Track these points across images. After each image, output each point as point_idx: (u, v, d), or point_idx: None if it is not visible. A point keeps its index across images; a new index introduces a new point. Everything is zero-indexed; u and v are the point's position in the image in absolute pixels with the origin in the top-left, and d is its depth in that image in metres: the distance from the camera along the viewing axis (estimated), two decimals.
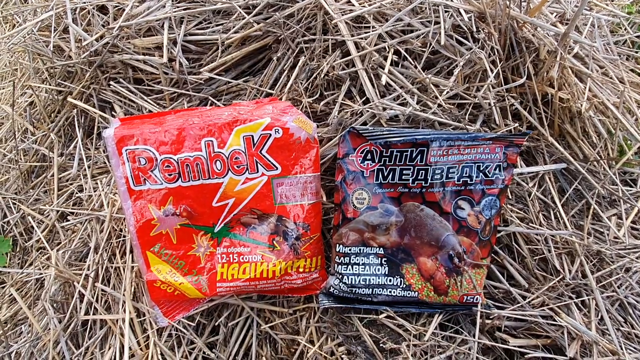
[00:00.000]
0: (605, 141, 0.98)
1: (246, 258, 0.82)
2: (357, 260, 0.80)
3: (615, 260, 0.90)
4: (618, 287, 0.89)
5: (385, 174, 0.78)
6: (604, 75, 1.03)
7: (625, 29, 1.22)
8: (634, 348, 0.86)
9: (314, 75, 0.90)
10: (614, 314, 0.88)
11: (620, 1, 1.27)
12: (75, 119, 1.07)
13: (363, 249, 0.80)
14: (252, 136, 0.77)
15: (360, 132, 0.76)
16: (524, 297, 0.86)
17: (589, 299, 0.86)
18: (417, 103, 0.85)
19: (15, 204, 1.14)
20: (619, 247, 0.92)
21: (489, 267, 0.86)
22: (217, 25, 0.98)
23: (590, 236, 0.93)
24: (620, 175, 1.02)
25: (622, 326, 0.88)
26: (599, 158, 0.96)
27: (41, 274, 0.97)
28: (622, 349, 0.82)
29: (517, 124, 0.89)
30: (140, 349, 0.85)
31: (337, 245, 0.81)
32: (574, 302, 0.85)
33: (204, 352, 0.87)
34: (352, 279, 0.80)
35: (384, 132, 0.76)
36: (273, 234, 0.81)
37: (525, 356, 0.81)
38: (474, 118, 0.89)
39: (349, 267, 0.80)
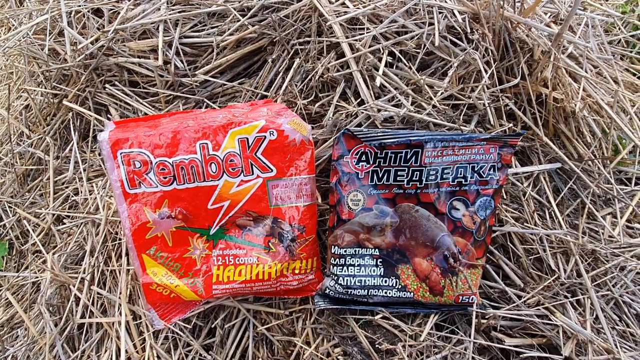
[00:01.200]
0: (599, 141, 0.99)
1: (242, 260, 0.82)
2: (353, 261, 0.80)
3: (610, 259, 0.91)
4: (613, 286, 0.90)
5: (380, 176, 0.79)
6: (598, 75, 1.04)
7: (620, 29, 1.23)
8: (629, 347, 0.86)
9: (309, 77, 0.90)
10: (608, 312, 0.88)
11: (614, 1, 1.27)
12: (71, 122, 1.06)
13: (358, 250, 0.80)
14: (247, 138, 0.77)
15: (355, 133, 0.76)
16: (520, 297, 0.86)
17: (584, 298, 0.87)
18: (411, 104, 0.85)
19: (10, 207, 1.13)
20: (613, 246, 0.93)
21: (484, 267, 0.86)
22: (212, 28, 0.98)
23: (585, 235, 0.93)
24: (614, 174, 1.02)
25: (617, 325, 0.88)
26: (593, 157, 0.96)
27: (37, 277, 0.97)
28: (617, 347, 0.83)
29: (511, 124, 0.90)
30: (137, 352, 0.85)
31: (333, 246, 0.81)
32: (569, 301, 0.86)
33: (200, 355, 0.87)
34: (347, 280, 0.81)
35: (379, 134, 0.76)
36: (268, 236, 0.81)
37: (521, 355, 0.82)
38: (468, 119, 0.89)
39: (345, 268, 0.81)
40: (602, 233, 0.94)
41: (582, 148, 0.97)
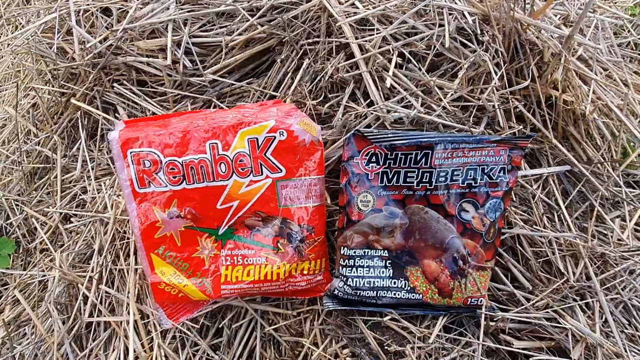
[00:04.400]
0: (608, 143, 0.98)
1: (250, 260, 0.82)
2: (362, 262, 0.80)
3: (619, 262, 0.90)
4: (622, 290, 0.89)
5: (390, 177, 0.79)
6: (608, 77, 1.03)
7: (629, 31, 1.23)
8: (638, 350, 0.86)
9: (318, 78, 0.90)
10: (618, 316, 0.88)
11: (623, 3, 1.27)
12: (79, 120, 1.07)
13: (367, 252, 0.80)
14: (257, 139, 0.77)
15: (365, 134, 0.76)
16: (528, 300, 0.86)
17: (593, 302, 0.86)
18: (421, 105, 0.85)
19: (18, 205, 1.14)
20: (622, 249, 0.92)
21: (493, 270, 0.86)
22: (220, 28, 0.98)
23: (594, 238, 0.93)
24: (623, 177, 1.02)
25: (626, 328, 0.88)
26: (602, 160, 0.96)
27: (45, 275, 0.97)
28: (626, 351, 0.83)
29: (521, 127, 0.89)
30: (145, 351, 0.85)
31: (342, 247, 0.81)
32: (578, 304, 0.85)
33: (207, 354, 0.87)
34: (356, 281, 0.80)
35: (389, 135, 0.76)
36: (277, 237, 0.81)
37: (530, 359, 0.82)
38: (478, 120, 0.89)
39: (354, 269, 0.80)
40: (611, 236, 0.94)
41: (591, 151, 0.96)
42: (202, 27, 0.99)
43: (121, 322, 0.87)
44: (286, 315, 0.87)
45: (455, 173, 0.78)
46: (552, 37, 0.92)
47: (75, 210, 1.01)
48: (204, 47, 0.98)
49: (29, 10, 1.23)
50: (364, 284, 0.80)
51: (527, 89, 0.91)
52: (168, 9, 0.98)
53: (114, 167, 0.95)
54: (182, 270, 0.82)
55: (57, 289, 0.91)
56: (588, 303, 0.87)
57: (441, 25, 0.87)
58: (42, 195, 1.11)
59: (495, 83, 0.86)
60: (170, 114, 0.88)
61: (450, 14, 0.88)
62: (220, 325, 0.88)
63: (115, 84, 1.01)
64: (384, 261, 0.80)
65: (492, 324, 0.83)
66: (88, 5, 1.04)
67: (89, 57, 0.99)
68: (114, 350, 0.86)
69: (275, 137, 0.77)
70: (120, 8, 1.03)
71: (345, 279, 0.81)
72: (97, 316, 0.88)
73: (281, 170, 0.79)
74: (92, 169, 1.02)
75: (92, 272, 0.90)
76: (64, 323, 0.89)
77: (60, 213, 1.03)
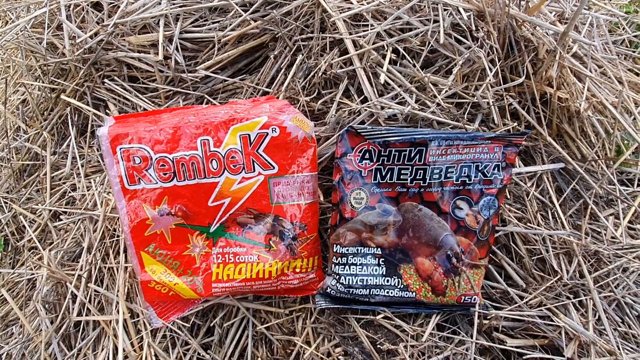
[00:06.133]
0: (603, 141, 0.98)
1: (242, 258, 0.81)
2: (355, 260, 0.80)
3: (612, 260, 0.90)
4: (615, 287, 0.89)
5: (384, 174, 0.78)
6: (603, 74, 1.03)
7: (624, 29, 1.23)
8: (631, 348, 0.86)
9: (312, 74, 0.89)
10: (611, 314, 0.88)
11: (618, 0, 1.27)
12: (69, 117, 1.05)
13: (360, 249, 0.79)
14: (249, 135, 0.76)
15: (359, 131, 0.75)
16: (522, 297, 0.85)
17: (586, 299, 0.86)
18: (415, 102, 0.84)
19: (6, 202, 1.12)
20: (616, 247, 0.92)
21: (487, 267, 0.85)
22: (213, 23, 0.96)
23: (587, 236, 0.92)
24: (617, 175, 1.02)
25: (620, 326, 0.88)
26: (596, 158, 0.96)
27: (33, 274, 0.96)
28: (619, 349, 0.82)
29: (515, 124, 0.89)
30: (134, 351, 0.84)
31: (335, 245, 0.80)
32: (572, 302, 0.85)
33: (198, 354, 0.86)
34: (349, 279, 0.80)
35: (383, 132, 0.75)
36: (269, 234, 0.80)
37: (523, 357, 0.81)
38: (472, 117, 0.88)
39: (346, 267, 0.80)
40: (605, 234, 0.94)
41: (586, 148, 0.96)
42: (194, 23, 0.98)
43: (110, 321, 0.85)
44: (278, 313, 0.86)
45: (449, 170, 0.78)
46: (547, 33, 0.92)
47: (64, 208, 0.99)
48: (196, 43, 0.97)
49: (19, 4, 1.21)
50: (356, 282, 0.79)
51: (522, 86, 0.91)
52: (160, 3, 0.97)
53: (104, 164, 0.94)
54: (173, 269, 0.81)
55: (45, 287, 0.90)
56: (581, 301, 0.86)
57: (436, 21, 0.86)
58: (31, 192, 1.09)
59: (489, 80, 0.85)
60: (161, 110, 0.87)
61: (445, 10, 0.87)
62: (211, 324, 0.87)
63: (106, 80, 1.00)
64: (377, 259, 0.80)
65: (485, 322, 0.83)
66: None
67: (79, 52, 0.98)
68: (103, 349, 0.85)
69: (267, 134, 0.76)
70: (111, 3, 1.01)
71: (338, 277, 0.80)
72: (86, 315, 0.87)
73: (273, 167, 0.78)
74: (82, 166, 1.01)
75: (81, 270, 0.89)
76: (52, 322, 0.88)
77: (50, 210, 1.01)
